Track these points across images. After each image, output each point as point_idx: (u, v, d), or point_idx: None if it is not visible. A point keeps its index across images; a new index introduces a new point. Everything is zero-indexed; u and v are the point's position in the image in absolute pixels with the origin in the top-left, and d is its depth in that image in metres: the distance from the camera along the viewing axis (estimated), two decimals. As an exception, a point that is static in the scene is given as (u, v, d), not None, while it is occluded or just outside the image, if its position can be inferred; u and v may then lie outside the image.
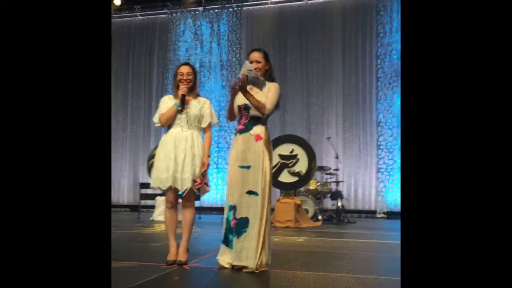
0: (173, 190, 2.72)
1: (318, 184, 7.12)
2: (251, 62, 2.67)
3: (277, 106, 2.67)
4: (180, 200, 2.84)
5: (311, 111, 8.85)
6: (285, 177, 6.47)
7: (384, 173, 8.26)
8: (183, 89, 2.74)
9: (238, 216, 2.55)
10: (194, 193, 2.76)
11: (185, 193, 2.71)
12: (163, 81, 9.71)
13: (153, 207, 7.30)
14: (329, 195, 7.23)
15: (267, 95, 2.59)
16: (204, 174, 2.74)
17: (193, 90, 2.81)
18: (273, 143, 2.82)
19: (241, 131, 2.64)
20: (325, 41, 8.92)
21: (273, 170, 2.77)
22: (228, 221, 2.61)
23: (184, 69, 2.79)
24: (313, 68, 8.94)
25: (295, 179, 6.47)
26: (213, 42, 9.52)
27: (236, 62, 9.31)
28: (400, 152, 7.99)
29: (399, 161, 8.13)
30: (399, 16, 8.47)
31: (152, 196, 7.35)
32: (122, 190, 9.73)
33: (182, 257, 2.71)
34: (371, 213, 8.25)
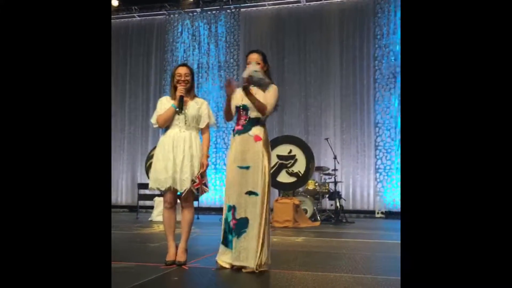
0: (171, 190, 2.72)
1: (317, 184, 7.13)
2: (249, 63, 2.67)
3: (275, 107, 2.68)
4: (178, 201, 2.84)
5: (309, 112, 8.86)
6: (284, 178, 6.48)
7: (382, 173, 8.28)
8: (181, 90, 2.74)
9: (237, 217, 2.55)
10: (193, 194, 2.76)
11: (184, 194, 2.71)
12: (161, 82, 9.71)
13: (151, 207, 7.30)
14: (327, 195, 7.24)
15: (266, 96, 2.60)
16: (203, 175, 2.74)
17: (190, 91, 2.82)
18: (271, 144, 2.83)
19: (239, 132, 2.65)
20: (322, 43, 8.94)
21: (272, 171, 2.77)
22: (227, 221, 2.61)
23: (182, 70, 2.79)
24: (311, 69, 8.96)
25: (293, 179, 6.48)
26: (211, 43, 9.52)
27: (234, 64, 9.32)
28: (397, 152, 8.10)
29: (396, 161, 8.16)
30: (396, 18, 8.51)
31: (151, 197, 7.34)
32: (120, 191, 9.71)
33: (181, 257, 2.71)
34: (369, 213, 8.26)
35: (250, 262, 2.47)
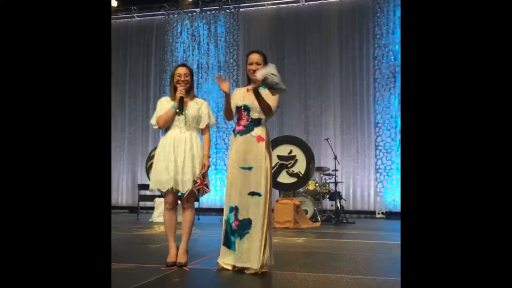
0: (173, 191, 2.72)
1: (317, 184, 7.13)
2: (250, 64, 2.67)
3: (276, 108, 2.69)
4: (179, 202, 2.84)
5: (309, 112, 8.86)
6: (284, 178, 6.47)
7: (383, 173, 8.28)
8: (181, 91, 2.73)
9: (240, 218, 2.54)
10: (194, 194, 2.75)
11: (185, 195, 2.70)
12: (161, 82, 9.70)
13: (152, 208, 7.29)
14: (328, 195, 7.23)
15: (269, 98, 2.59)
16: (204, 175, 2.74)
17: (190, 91, 2.81)
18: (271, 144, 2.82)
19: (241, 132, 2.64)
20: (322, 43, 8.93)
21: (272, 171, 2.77)
22: (228, 222, 2.60)
23: (181, 70, 2.78)
24: (311, 70, 8.95)
25: (294, 179, 6.47)
26: (210, 43, 9.51)
27: (233, 64, 9.31)
28: (398, 152, 8.10)
29: (397, 161, 8.15)
30: (396, 17, 8.50)
31: (151, 198, 7.33)
32: (120, 192, 9.70)
33: (181, 258, 2.70)
34: (370, 214, 8.26)
35: (253, 263, 2.46)
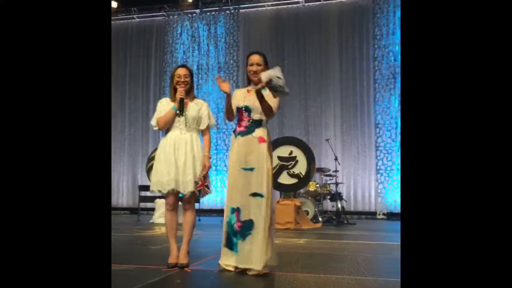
0: (173, 193, 2.72)
1: (318, 185, 7.12)
2: (251, 65, 2.66)
3: (277, 109, 2.70)
4: (180, 203, 2.83)
5: (309, 113, 8.86)
6: (285, 179, 6.47)
7: (384, 174, 8.27)
8: (181, 92, 2.73)
9: (242, 219, 2.54)
10: (195, 195, 2.75)
11: (187, 196, 2.70)
12: (161, 83, 9.71)
13: (152, 209, 7.28)
14: (328, 196, 7.23)
15: (270, 99, 2.59)
16: (205, 176, 2.73)
17: (190, 92, 2.81)
18: (272, 145, 2.82)
19: (242, 133, 2.64)
20: (322, 44, 8.94)
21: (273, 172, 2.78)
22: (230, 224, 2.59)
23: (181, 71, 2.78)
24: (311, 71, 8.96)
25: (294, 180, 6.47)
26: (210, 44, 9.52)
27: (233, 64, 9.32)
28: (398, 153, 8.09)
29: (398, 162, 8.15)
30: (396, 18, 8.51)
31: (152, 199, 7.33)
32: (121, 193, 9.70)
33: (183, 260, 2.70)
34: (371, 214, 8.25)
35: (257, 264, 2.45)
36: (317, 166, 7.13)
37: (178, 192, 2.72)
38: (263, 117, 2.63)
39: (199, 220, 6.68)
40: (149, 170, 7.24)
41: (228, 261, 2.59)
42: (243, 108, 2.65)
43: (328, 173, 7.35)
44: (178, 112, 2.72)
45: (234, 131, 2.72)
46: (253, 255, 2.47)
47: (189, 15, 9.71)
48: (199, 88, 9.22)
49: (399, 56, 8.12)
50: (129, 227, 6.09)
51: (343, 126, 8.67)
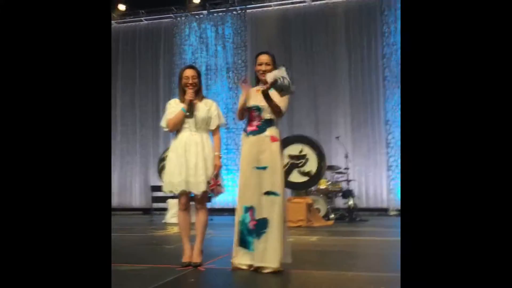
0: (185, 193, 2.74)
1: (329, 183, 7.09)
2: (260, 64, 2.67)
3: (287, 109, 2.70)
4: (192, 203, 2.85)
5: (319, 111, 8.84)
6: (296, 177, 6.46)
7: (395, 171, 8.21)
8: (190, 94, 2.73)
9: (257, 217, 2.54)
10: (207, 195, 2.77)
11: (199, 196, 2.72)
12: (170, 85, 9.76)
13: (165, 209, 7.34)
14: (340, 194, 7.20)
15: (279, 99, 2.59)
16: (217, 176, 2.75)
17: (198, 92, 2.81)
18: (282, 144, 2.82)
19: (254, 133, 2.64)
20: (329, 42, 8.91)
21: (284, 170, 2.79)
22: (244, 223, 2.59)
23: (189, 73, 2.78)
24: (319, 69, 8.93)
25: (305, 178, 6.45)
26: (218, 45, 9.55)
27: (242, 65, 9.33)
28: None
29: (408, 159, 8.06)
30: (404, 15, 8.42)
31: (164, 199, 7.38)
32: (134, 193, 9.80)
33: (196, 258, 2.72)
34: (383, 211, 8.19)
35: (272, 262, 2.46)
36: (327, 163, 7.11)
37: (190, 192, 2.74)
38: (274, 116, 2.64)
39: (211, 219, 6.71)
40: (160, 170, 7.29)
41: (243, 259, 2.59)
42: (254, 108, 2.66)
43: (339, 170, 7.32)
44: (187, 113, 2.74)
45: (244, 130, 2.73)
46: (268, 253, 2.48)
47: (197, 16, 9.75)
48: (208, 89, 9.25)
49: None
50: (143, 227, 6.15)
51: (353, 123, 8.63)
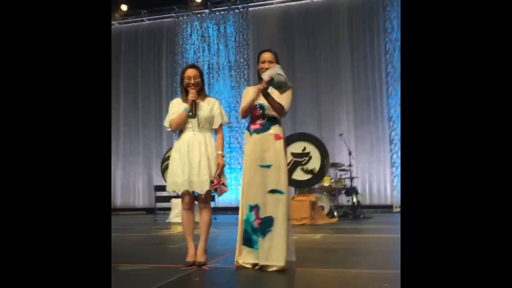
0: (189, 192, 2.74)
1: (332, 180, 7.08)
2: (263, 62, 2.67)
3: (289, 107, 2.69)
4: (196, 202, 2.86)
5: (322, 108, 8.83)
6: (299, 175, 6.46)
7: (399, 167, 8.19)
8: (192, 94, 2.72)
9: (262, 216, 2.53)
10: (210, 194, 2.77)
11: (203, 196, 2.72)
12: (172, 84, 9.79)
13: (169, 209, 7.36)
14: (343, 191, 7.19)
15: (281, 97, 2.59)
16: (220, 175, 2.74)
17: (201, 92, 2.80)
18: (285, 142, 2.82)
19: (258, 131, 2.64)
20: (332, 39, 8.89)
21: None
22: (249, 221, 2.58)
23: (190, 73, 2.77)
24: (321, 67, 8.92)
25: (309, 176, 6.45)
26: (220, 43, 9.56)
27: (244, 63, 9.33)
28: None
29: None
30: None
31: (167, 199, 7.40)
32: (137, 193, 9.84)
33: (200, 258, 2.72)
34: (387, 208, 8.17)
35: (279, 260, 2.45)
36: (331, 161, 7.10)
37: (194, 192, 2.75)
38: (277, 115, 2.64)
39: (215, 218, 6.73)
40: (164, 170, 7.31)
41: (247, 258, 2.58)
42: (257, 106, 2.65)
43: (342, 167, 7.31)
44: (190, 113, 2.73)
45: (248, 129, 2.72)
46: (273, 251, 2.47)
47: (198, 15, 9.76)
48: (211, 88, 9.26)
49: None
50: (146, 227, 6.17)
51: (356, 120, 8.61)
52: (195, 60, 9.50)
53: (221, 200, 8.31)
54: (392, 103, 8.38)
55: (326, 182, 6.99)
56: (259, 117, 2.65)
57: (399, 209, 8.01)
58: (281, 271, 2.44)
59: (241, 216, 2.64)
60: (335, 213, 6.66)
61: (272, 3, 9.33)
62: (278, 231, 2.48)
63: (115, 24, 10.21)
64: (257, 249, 2.53)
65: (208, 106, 2.79)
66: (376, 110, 8.56)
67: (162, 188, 6.75)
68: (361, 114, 8.60)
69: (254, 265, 2.55)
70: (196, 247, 2.76)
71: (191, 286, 2.34)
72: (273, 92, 2.60)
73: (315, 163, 6.47)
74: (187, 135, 2.76)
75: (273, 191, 2.53)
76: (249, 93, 2.72)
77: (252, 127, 2.67)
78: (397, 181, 8.20)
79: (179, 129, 2.80)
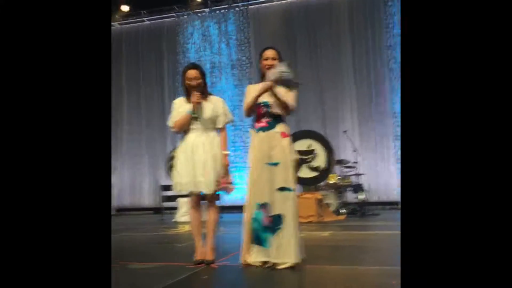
0: (196, 192, 2.75)
1: (338, 178, 7.06)
2: (266, 59, 2.66)
3: (295, 105, 2.68)
4: (203, 201, 2.86)
5: (325, 106, 8.80)
6: (305, 173, 6.44)
7: (404, 163, 8.15)
8: (195, 97, 2.70)
9: (271, 213, 2.52)
10: (216, 193, 2.77)
11: (209, 195, 2.72)
12: (175, 84, 9.79)
13: (175, 208, 7.38)
14: (350, 188, 7.17)
15: (288, 95, 2.58)
16: (226, 174, 2.74)
17: (204, 92, 2.78)
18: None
19: (264, 129, 2.63)
20: (333, 36, 8.85)
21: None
22: (257, 220, 2.57)
23: (191, 74, 2.74)
24: (323, 64, 8.89)
25: (314, 174, 6.43)
26: (222, 42, 9.54)
27: (246, 61, 9.31)
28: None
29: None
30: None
31: (174, 198, 7.42)
32: (144, 193, 9.87)
33: (209, 256, 2.72)
34: (394, 205, 8.14)
35: (290, 257, 2.45)
36: (336, 158, 7.08)
37: (200, 191, 2.75)
38: (283, 112, 2.62)
39: (221, 217, 6.73)
40: (169, 169, 7.33)
41: (257, 257, 2.57)
42: (262, 104, 2.64)
43: (348, 164, 7.29)
44: (194, 115, 2.72)
45: (253, 127, 2.71)
46: (285, 248, 2.46)
47: (199, 14, 9.75)
48: (213, 86, 9.26)
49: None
50: (154, 226, 6.18)
51: (359, 117, 8.58)
52: (197, 59, 9.48)
53: (227, 199, 8.32)
54: (396, 99, 8.33)
55: (332, 180, 6.97)
56: (264, 115, 2.64)
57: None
58: (290, 268, 2.43)
59: (248, 214, 2.62)
60: (342, 210, 6.64)
61: (272, 0, 9.30)
62: (288, 228, 2.48)
63: (115, 25, 10.23)
64: (267, 247, 2.52)
65: (211, 106, 2.78)
66: (380, 106, 8.52)
67: (169, 187, 6.77)
68: (364, 110, 8.57)
69: (264, 263, 2.54)
70: (204, 246, 2.76)
71: (200, 284, 2.34)
72: (278, 90, 2.59)
73: (320, 161, 6.45)
74: (192, 136, 2.75)
75: (281, 189, 2.52)
76: (251, 91, 2.71)
77: (258, 125, 2.66)
78: (403, 177, 8.16)
79: (183, 130, 2.79)
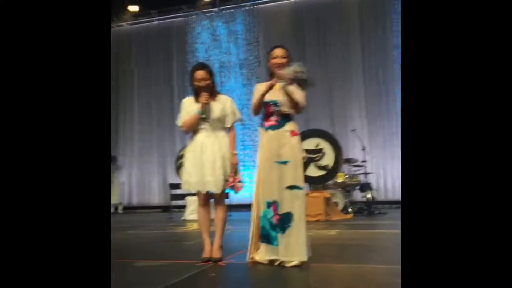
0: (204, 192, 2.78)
1: (346, 176, 7.04)
2: (274, 58, 2.66)
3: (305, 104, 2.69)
4: (211, 199, 2.89)
5: (334, 105, 8.77)
6: (313, 171, 6.44)
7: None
8: (204, 98, 2.71)
9: (280, 212, 2.53)
10: (224, 192, 2.80)
11: (218, 194, 2.75)
12: (184, 83, 9.83)
13: (184, 206, 7.44)
14: (358, 187, 7.15)
15: (298, 93, 2.58)
16: (235, 172, 2.76)
17: (212, 92, 2.79)
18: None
19: (273, 127, 2.64)
20: (343, 34, 8.81)
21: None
22: (266, 218, 2.58)
23: (199, 75, 2.75)
24: (332, 62, 8.86)
25: (322, 172, 6.43)
26: (231, 42, 9.56)
27: (254, 60, 9.32)
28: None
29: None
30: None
31: (182, 196, 7.48)
32: (152, 192, 9.96)
33: (216, 254, 2.74)
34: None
35: (300, 255, 2.46)
36: (344, 157, 7.06)
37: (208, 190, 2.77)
38: (293, 111, 2.63)
39: (230, 215, 6.76)
40: (178, 168, 7.39)
41: (266, 255, 2.58)
42: (271, 103, 2.65)
43: (356, 163, 7.26)
44: (203, 115, 2.74)
45: (262, 125, 2.72)
46: (294, 246, 2.48)
47: (208, 14, 9.78)
48: (222, 86, 9.29)
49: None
50: (162, 224, 6.24)
51: (368, 116, 8.53)
52: (206, 58, 9.52)
53: (235, 197, 8.35)
54: (405, 98, 8.29)
55: (340, 178, 6.95)
56: (273, 114, 2.65)
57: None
58: (297, 266, 2.45)
59: (256, 212, 2.64)
60: (350, 209, 6.62)
61: (280, 0, 9.29)
62: (298, 226, 2.49)
63: (125, 26, 10.33)
64: (276, 245, 2.53)
65: (220, 106, 2.79)
66: (388, 105, 8.46)
67: (177, 186, 6.82)
68: (373, 109, 8.52)
69: (272, 261, 2.55)
70: (212, 244, 2.79)
71: (207, 281, 2.37)
72: (290, 88, 2.58)
73: (328, 159, 6.44)
74: (201, 136, 2.78)
75: (291, 187, 2.54)
76: (259, 90, 2.73)
77: (267, 123, 2.67)
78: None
79: (192, 130, 2.82)
